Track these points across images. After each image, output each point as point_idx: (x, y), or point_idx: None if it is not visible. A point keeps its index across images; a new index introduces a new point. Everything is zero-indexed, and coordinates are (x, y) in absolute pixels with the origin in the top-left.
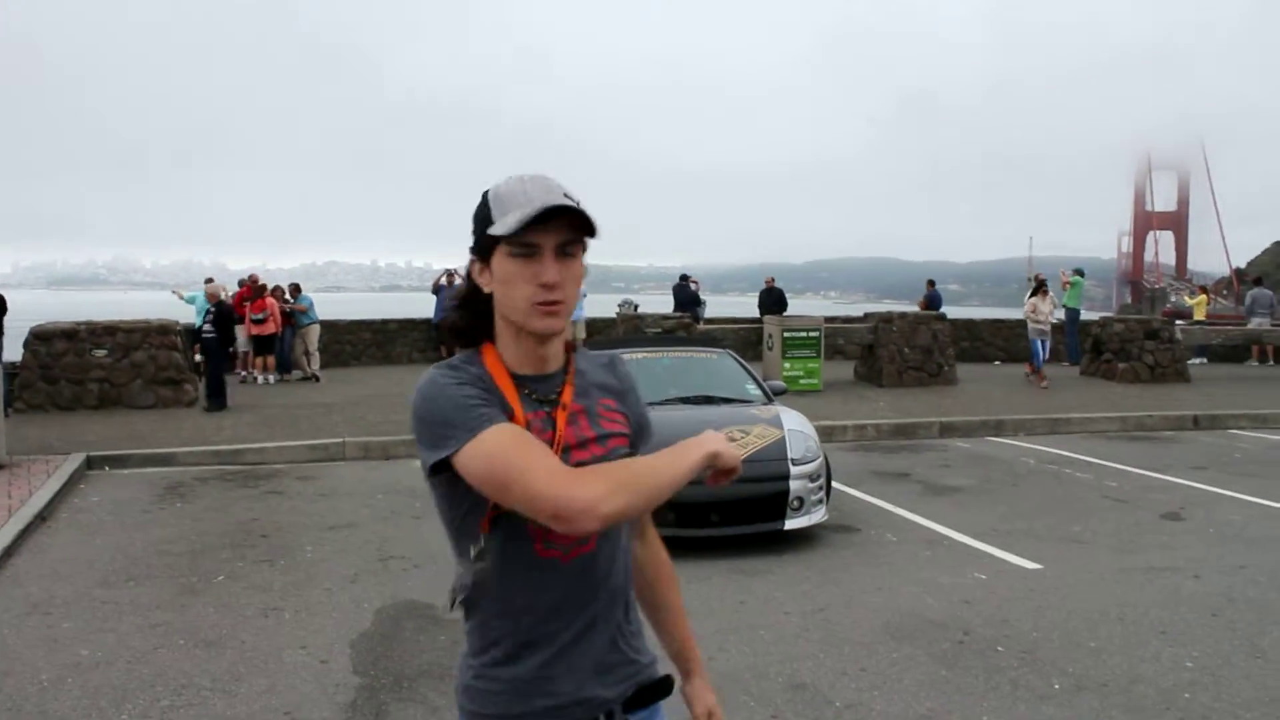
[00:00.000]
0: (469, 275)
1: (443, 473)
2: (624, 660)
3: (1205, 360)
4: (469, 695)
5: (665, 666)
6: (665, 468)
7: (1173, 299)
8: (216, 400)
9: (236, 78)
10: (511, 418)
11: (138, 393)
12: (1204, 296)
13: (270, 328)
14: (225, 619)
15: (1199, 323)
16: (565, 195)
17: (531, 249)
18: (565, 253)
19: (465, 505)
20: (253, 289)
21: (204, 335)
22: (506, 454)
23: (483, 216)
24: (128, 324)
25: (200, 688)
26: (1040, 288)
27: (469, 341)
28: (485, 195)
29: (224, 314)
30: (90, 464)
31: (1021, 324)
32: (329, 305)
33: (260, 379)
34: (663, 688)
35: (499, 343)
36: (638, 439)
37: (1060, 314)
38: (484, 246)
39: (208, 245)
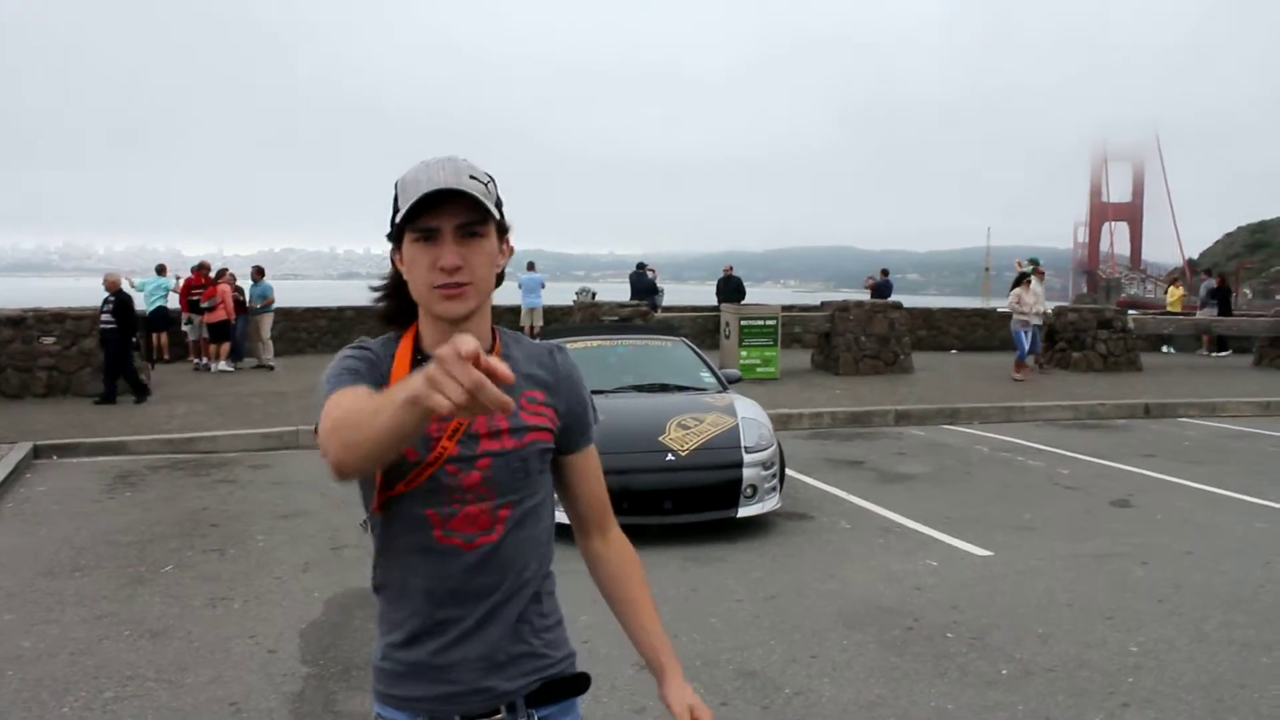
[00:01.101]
0: (393, 263)
1: None
2: (529, 653)
3: (1172, 350)
4: (377, 676)
5: (585, 664)
6: (378, 410)
7: (1130, 290)
8: (139, 392)
9: (193, 59)
10: None
11: (87, 381)
12: (1178, 288)
13: (221, 314)
14: (172, 609)
15: (1169, 313)
16: (471, 177)
17: (431, 233)
18: (470, 233)
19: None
20: (202, 276)
21: (103, 326)
22: (327, 412)
23: (394, 204)
24: (76, 311)
25: (145, 679)
26: (1023, 278)
27: (396, 325)
28: (395, 183)
29: (123, 304)
30: (37, 453)
31: (978, 313)
32: (286, 292)
33: (214, 367)
34: (575, 684)
35: (420, 326)
36: (570, 434)
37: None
38: (396, 234)
39: (162, 232)
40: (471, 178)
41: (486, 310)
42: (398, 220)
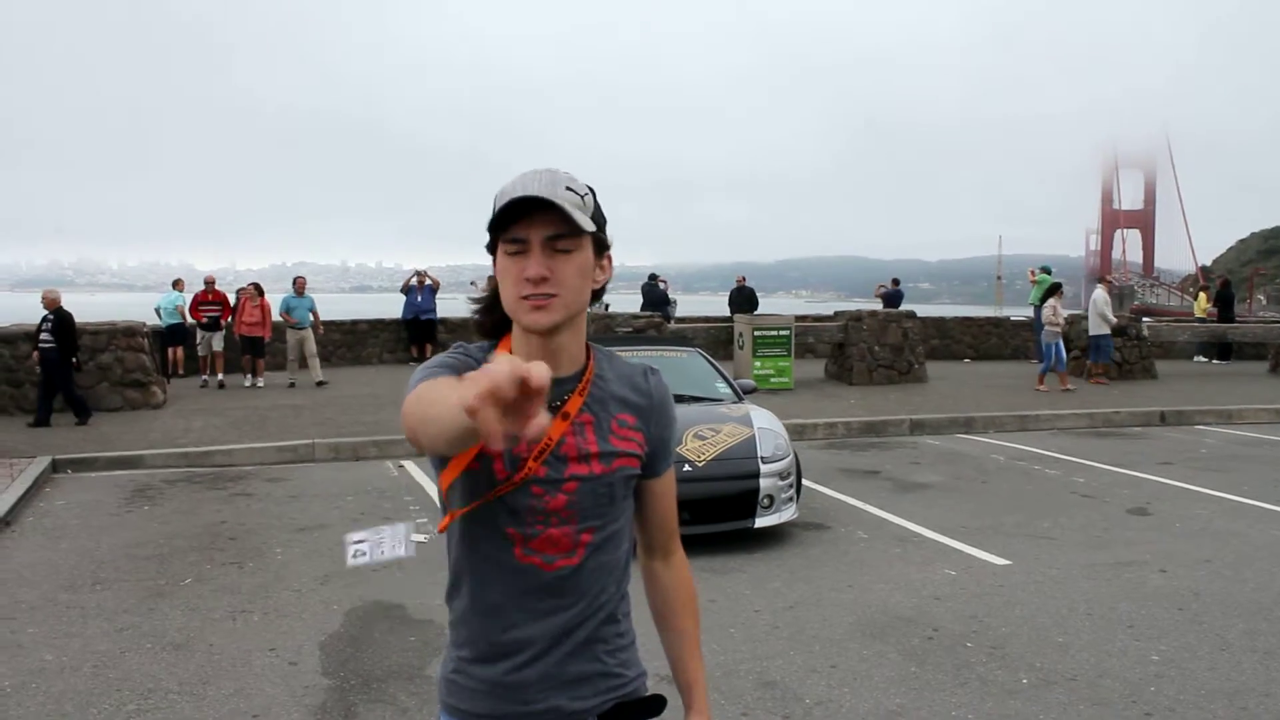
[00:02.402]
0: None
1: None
2: (602, 673)
3: (1205, 359)
4: (446, 688)
5: (660, 686)
6: (446, 399)
7: (1144, 297)
8: (81, 414)
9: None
10: None
11: (104, 395)
12: (1204, 296)
13: (259, 331)
14: (193, 622)
15: (1182, 320)
16: (567, 189)
17: (521, 244)
18: (558, 248)
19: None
20: (208, 293)
21: (41, 345)
22: (414, 390)
23: (491, 216)
24: (94, 325)
25: (167, 691)
26: (1057, 287)
27: (489, 336)
28: (495, 196)
29: (63, 322)
30: (56, 467)
31: (991, 322)
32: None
33: (252, 383)
34: (650, 706)
35: (513, 338)
36: (655, 459)
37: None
38: (491, 245)
39: (175, 246)
40: (568, 189)
41: (579, 327)
42: (488, 228)
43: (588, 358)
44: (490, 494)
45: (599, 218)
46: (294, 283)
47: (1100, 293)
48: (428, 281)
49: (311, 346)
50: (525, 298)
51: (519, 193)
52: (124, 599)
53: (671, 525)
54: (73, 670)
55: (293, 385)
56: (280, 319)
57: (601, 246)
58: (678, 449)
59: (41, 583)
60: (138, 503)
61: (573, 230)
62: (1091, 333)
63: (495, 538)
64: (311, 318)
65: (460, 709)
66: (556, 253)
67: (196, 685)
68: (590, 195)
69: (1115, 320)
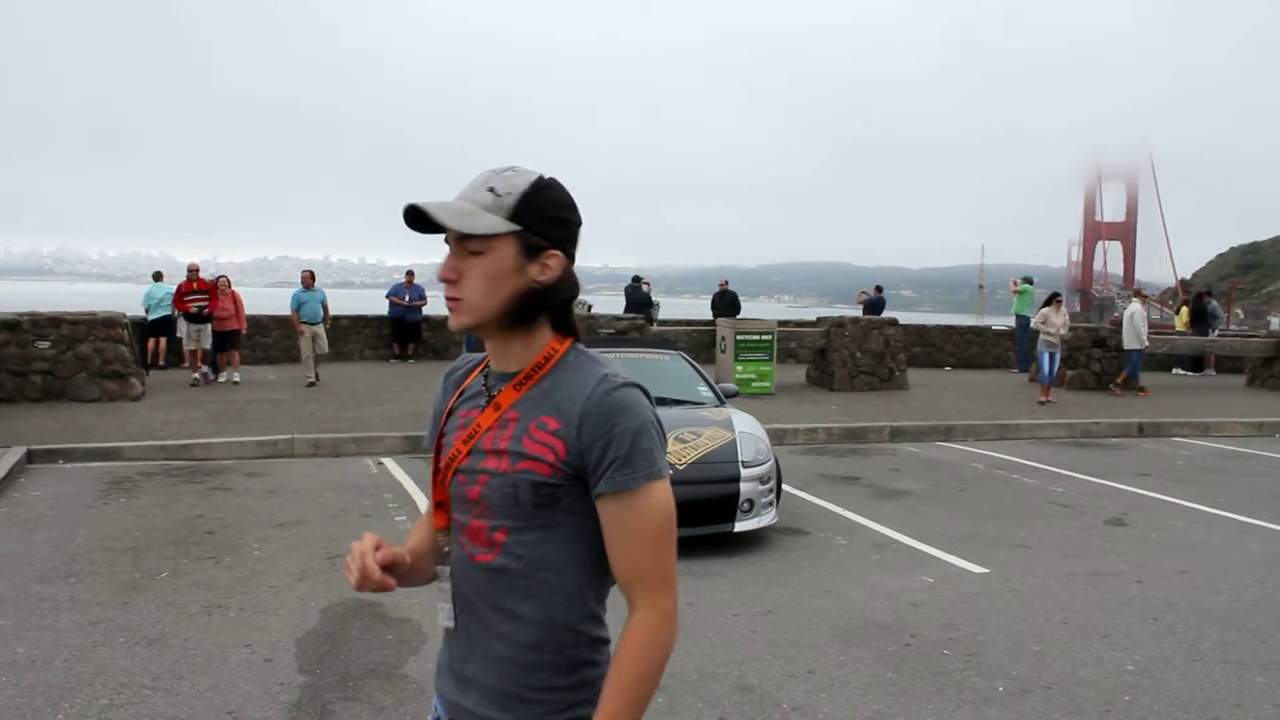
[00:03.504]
0: None
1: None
2: (532, 699)
3: (1183, 371)
4: (439, 658)
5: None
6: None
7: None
8: None
9: (193, 63)
10: (439, 407)
11: (82, 385)
12: (1185, 310)
13: (233, 324)
14: (168, 616)
15: (1163, 333)
16: (489, 189)
17: (449, 245)
18: (468, 249)
19: None
20: (192, 282)
21: None
22: None
23: None
24: (72, 315)
25: (141, 686)
26: (1054, 297)
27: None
28: None
29: None
30: (31, 458)
31: (973, 330)
32: (281, 300)
33: (228, 377)
34: None
35: None
36: (590, 476)
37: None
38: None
39: (157, 237)
40: (490, 190)
41: (528, 331)
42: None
43: (544, 362)
44: (434, 475)
45: (534, 215)
46: (301, 277)
47: (1139, 308)
48: (416, 281)
49: (323, 344)
50: (446, 298)
51: (423, 201)
52: (98, 592)
53: (630, 571)
54: (44, 663)
55: (313, 384)
56: (290, 316)
57: (533, 247)
58: None
59: (14, 574)
60: (114, 495)
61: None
62: (1126, 346)
63: (454, 521)
64: (323, 312)
65: (436, 682)
66: (469, 255)
67: (170, 680)
68: (520, 194)
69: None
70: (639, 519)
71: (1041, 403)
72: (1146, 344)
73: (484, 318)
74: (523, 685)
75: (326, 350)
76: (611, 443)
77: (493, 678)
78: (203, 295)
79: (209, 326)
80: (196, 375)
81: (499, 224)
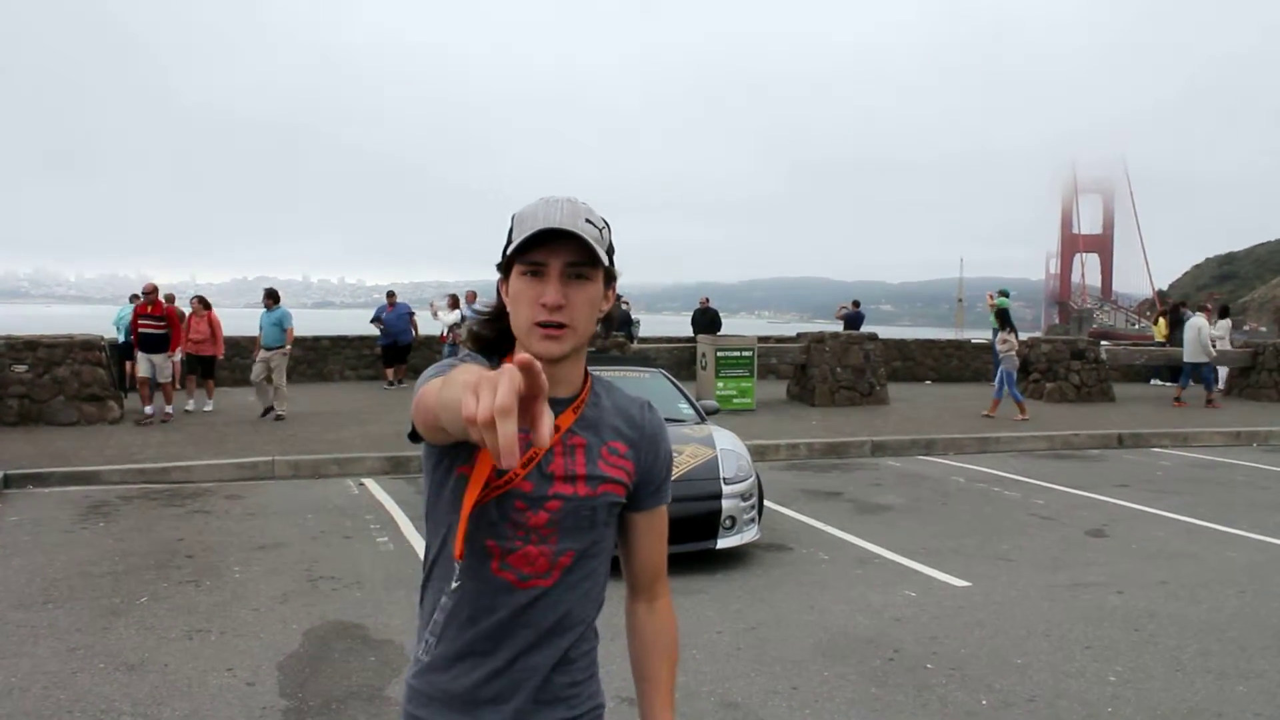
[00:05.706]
0: (499, 292)
1: (420, 440)
2: (555, 699)
3: (1161, 382)
4: (408, 694)
5: (620, 708)
6: (455, 381)
7: (1102, 320)
8: None
9: (167, 84)
10: None
11: (60, 409)
12: (1163, 322)
13: (209, 349)
14: (148, 641)
15: (1140, 344)
16: (587, 220)
17: (539, 267)
18: (576, 275)
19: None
20: (148, 304)
21: None
22: (446, 378)
23: (508, 236)
24: (49, 339)
25: (121, 713)
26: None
27: (491, 352)
28: (512, 216)
29: None
30: (8, 482)
31: (953, 344)
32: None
33: (195, 406)
34: None
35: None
36: (642, 492)
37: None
38: (505, 264)
39: (135, 258)
40: (588, 221)
41: (581, 355)
42: (509, 252)
43: (584, 385)
44: (483, 496)
45: (610, 250)
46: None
47: (1204, 321)
48: (397, 300)
49: (278, 375)
50: (540, 324)
51: (547, 223)
52: (77, 618)
53: (657, 568)
54: (22, 691)
55: (266, 414)
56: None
57: (609, 278)
58: None
59: None
60: (93, 519)
61: (590, 261)
62: (1188, 360)
63: (475, 546)
64: (285, 337)
65: (417, 716)
66: (573, 280)
67: (151, 706)
68: (607, 229)
69: (1215, 354)
70: (664, 523)
71: (987, 416)
72: (1214, 354)
73: (580, 343)
74: (558, 687)
75: (283, 383)
76: (660, 461)
77: (525, 692)
78: (158, 320)
79: (165, 358)
80: (147, 409)
81: (605, 257)
